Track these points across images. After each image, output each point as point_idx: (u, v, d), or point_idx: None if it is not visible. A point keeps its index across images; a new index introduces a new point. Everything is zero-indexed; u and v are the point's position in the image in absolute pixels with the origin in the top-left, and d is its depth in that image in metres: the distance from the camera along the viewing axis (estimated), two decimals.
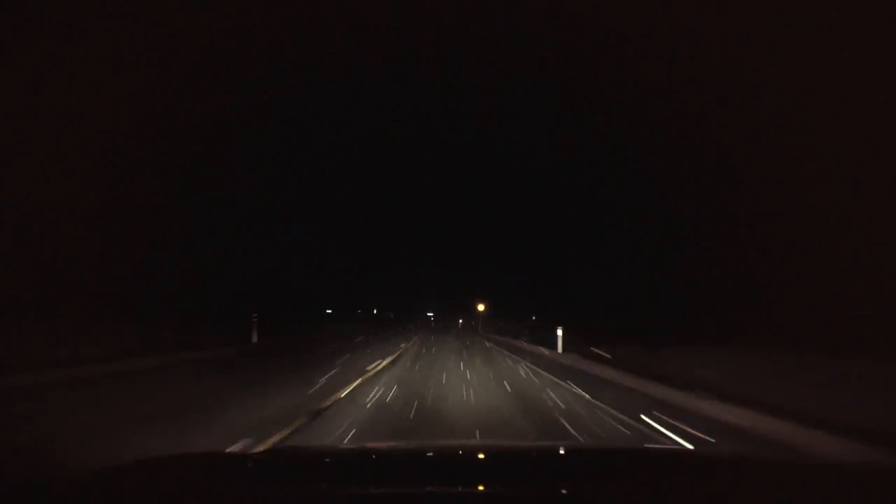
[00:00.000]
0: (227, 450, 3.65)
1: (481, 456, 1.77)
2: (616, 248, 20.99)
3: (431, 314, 73.33)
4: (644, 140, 17.22)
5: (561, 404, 7.30)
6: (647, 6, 13.93)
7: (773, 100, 11.21)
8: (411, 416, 6.24)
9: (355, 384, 8.68)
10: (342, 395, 7.46)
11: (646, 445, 3.56)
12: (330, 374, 9.95)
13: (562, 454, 1.86)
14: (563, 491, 1.17)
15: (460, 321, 61.43)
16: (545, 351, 17.52)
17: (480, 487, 1.19)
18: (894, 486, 1.22)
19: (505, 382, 9.63)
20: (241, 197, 21.57)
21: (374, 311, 68.23)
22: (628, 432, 5.59)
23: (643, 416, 6.24)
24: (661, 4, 13.55)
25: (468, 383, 9.46)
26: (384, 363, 12.93)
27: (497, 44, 22.34)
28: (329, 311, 46.33)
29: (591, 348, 14.87)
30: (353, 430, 5.25)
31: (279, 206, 26.78)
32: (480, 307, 42.81)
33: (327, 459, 1.60)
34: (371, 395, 7.64)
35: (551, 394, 8.29)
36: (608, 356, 13.81)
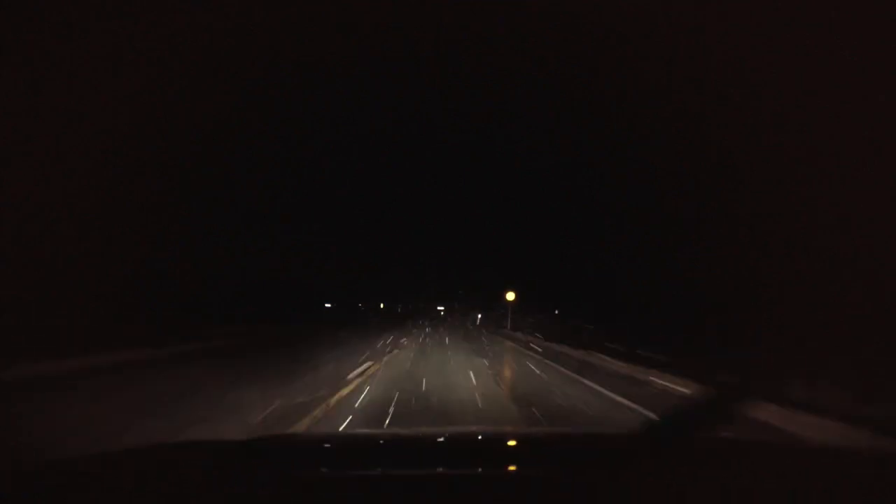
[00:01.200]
0: None
1: (478, 440, 1.77)
2: (616, 248, 21.03)
3: (441, 308, 69.12)
4: (644, 140, 17.24)
5: None
6: (647, 6, 13.94)
7: (773, 100, 11.22)
8: None
9: None
10: None
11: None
12: None
13: (551, 439, 1.86)
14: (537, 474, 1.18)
15: (479, 315, 49.40)
16: None
17: (511, 466, 1.21)
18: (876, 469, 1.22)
19: None
20: (242, 197, 21.62)
21: (381, 306, 66.44)
22: None
23: None
24: (661, 4, 13.57)
25: None
26: None
27: (497, 44, 22.37)
28: (328, 305, 44.49)
29: None
30: None
31: (279, 207, 26.84)
32: (510, 296, 30.72)
33: (327, 445, 1.60)
34: None
35: None
36: None
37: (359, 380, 8.89)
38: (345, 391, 7.68)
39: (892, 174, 8.57)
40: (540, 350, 17.38)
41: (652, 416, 6.44)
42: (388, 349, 15.76)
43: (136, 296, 14.12)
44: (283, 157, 25.48)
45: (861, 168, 9.11)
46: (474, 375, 9.97)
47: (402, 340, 20.08)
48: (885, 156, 8.62)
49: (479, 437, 1.82)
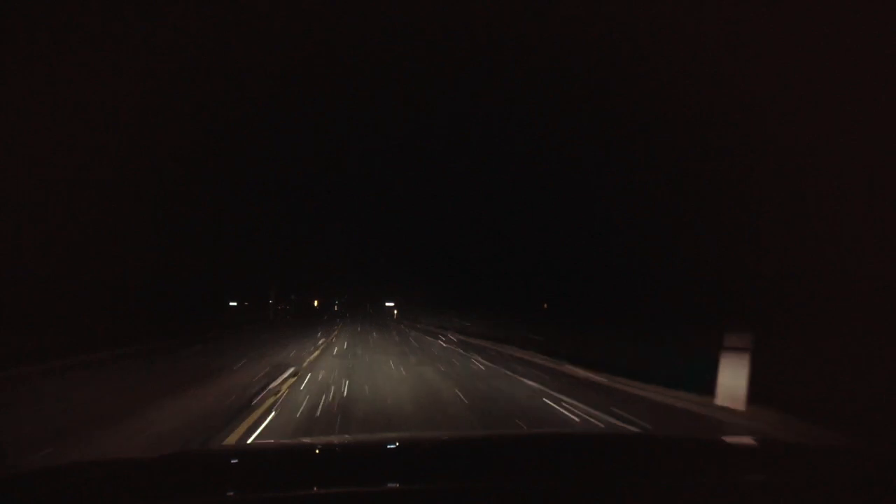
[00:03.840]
0: None
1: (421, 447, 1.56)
2: (616, 248, 21.00)
3: (392, 304, 51.55)
4: (644, 140, 17.23)
5: None
6: (647, 6, 13.95)
7: (773, 99, 11.22)
8: None
9: None
10: None
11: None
12: None
13: (504, 442, 1.71)
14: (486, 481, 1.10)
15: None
16: None
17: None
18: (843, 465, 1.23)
19: None
20: (241, 199, 21.57)
21: (315, 303, 53.88)
22: None
23: None
24: (661, 4, 13.57)
25: None
26: None
27: (497, 43, 22.37)
28: (233, 304, 34.75)
29: None
30: None
31: (280, 207, 26.74)
32: None
33: (234, 460, 1.36)
34: None
35: None
36: None
37: None
38: None
39: (893, 174, 8.57)
40: None
41: None
42: None
43: (137, 296, 14.11)
44: (283, 156, 25.44)
45: (861, 168, 9.12)
46: None
47: None
48: (886, 156, 8.63)
49: (450, 441, 1.64)
